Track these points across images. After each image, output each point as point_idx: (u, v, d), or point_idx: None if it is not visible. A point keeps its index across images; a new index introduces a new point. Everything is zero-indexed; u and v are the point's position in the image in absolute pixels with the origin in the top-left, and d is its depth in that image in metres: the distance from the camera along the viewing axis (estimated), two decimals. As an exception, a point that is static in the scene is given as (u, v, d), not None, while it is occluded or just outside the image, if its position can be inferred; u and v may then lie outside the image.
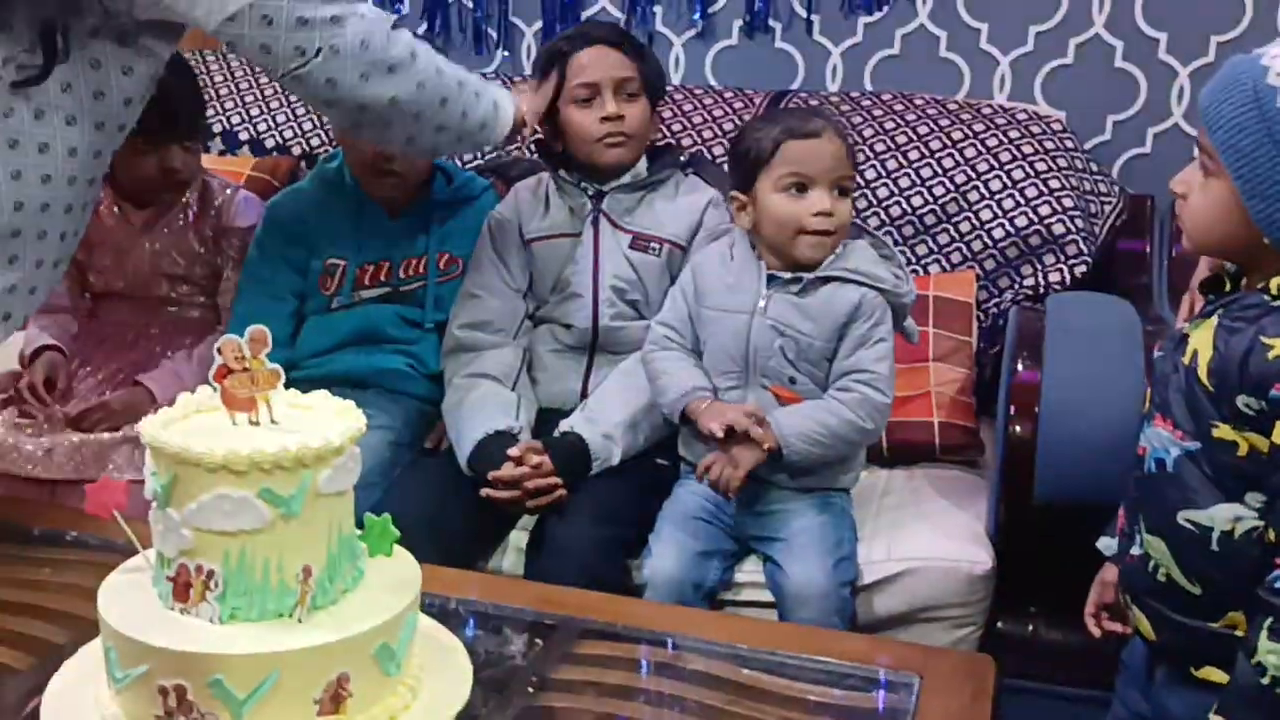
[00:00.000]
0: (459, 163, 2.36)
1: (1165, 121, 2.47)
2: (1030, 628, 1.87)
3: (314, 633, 1.05)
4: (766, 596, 1.75)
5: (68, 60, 1.45)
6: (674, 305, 1.85)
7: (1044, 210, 2.24)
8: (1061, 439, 1.71)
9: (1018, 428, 1.76)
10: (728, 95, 2.53)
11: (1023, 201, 2.25)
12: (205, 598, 1.06)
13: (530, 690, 1.26)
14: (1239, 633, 1.19)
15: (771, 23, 2.64)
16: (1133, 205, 2.38)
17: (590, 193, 1.98)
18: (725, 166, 1.97)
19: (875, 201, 2.31)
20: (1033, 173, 2.27)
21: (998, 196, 2.26)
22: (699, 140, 2.43)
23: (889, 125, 2.37)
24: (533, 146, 2.00)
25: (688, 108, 2.49)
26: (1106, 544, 1.41)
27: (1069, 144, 2.34)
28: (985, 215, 2.26)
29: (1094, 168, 2.36)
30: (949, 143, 2.32)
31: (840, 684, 1.30)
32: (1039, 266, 2.23)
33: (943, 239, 2.29)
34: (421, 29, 2.81)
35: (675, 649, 1.37)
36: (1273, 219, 1.15)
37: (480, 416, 1.88)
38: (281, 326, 2.04)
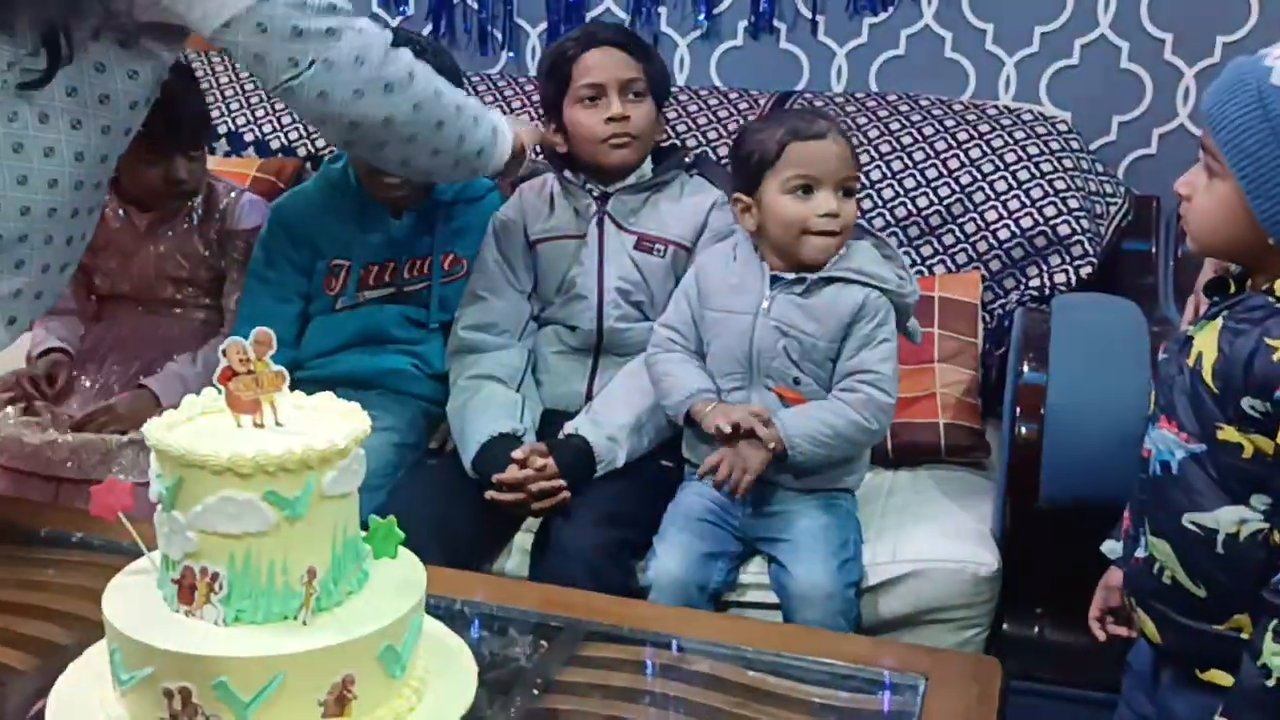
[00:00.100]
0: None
1: (1171, 122, 2.47)
2: (1036, 629, 1.86)
3: (319, 635, 1.05)
4: (771, 598, 1.75)
5: (71, 63, 1.45)
6: (677, 307, 1.85)
7: (1049, 211, 2.23)
8: (1067, 440, 1.71)
9: (1023, 429, 1.76)
10: (733, 96, 2.53)
11: (1028, 202, 2.25)
12: (210, 600, 1.06)
13: (535, 692, 1.26)
14: (1244, 635, 1.18)
15: (776, 23, 2.64)
16: (1138, 206, 2.38)
17: (595, 194, 1.98)
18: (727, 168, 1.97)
19: (880, 202, 2.30)
20: (1038, 174, 2.26)
21: (1003, 197, 2.26)
22: (704, 141, 2.42)
23: (894, 126, 2.37)
24: (538, 148, 2.00)
25: (693, 109, 2.49)
26: (1111, 548, 1.41)
27: (1074, 145, 2.34)
28: (990, 216, 2.26)
29: (1099, 168, 2.36)
30: (954, 144, 2.32)
31: (845, 686, 1.30)
32: (1044, 267, 2.23)
33: (948, 240, 2.28)
34: (426, 30, 2.81)
35: (680, 651, 1.37)
36: (1278, 219, 1.14)
37: (485, 418, 1.88)
38: (286, 328, 2.04)
